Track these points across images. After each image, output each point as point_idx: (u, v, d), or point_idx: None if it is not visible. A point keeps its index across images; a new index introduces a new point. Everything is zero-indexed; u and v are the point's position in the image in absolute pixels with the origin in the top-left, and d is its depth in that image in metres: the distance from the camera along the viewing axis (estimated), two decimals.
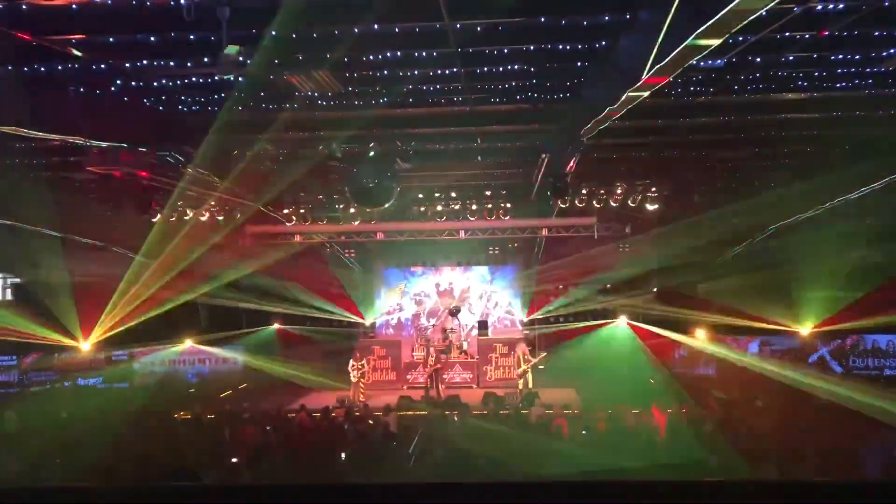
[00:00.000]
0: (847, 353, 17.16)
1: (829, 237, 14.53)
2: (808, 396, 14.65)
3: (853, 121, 11.46)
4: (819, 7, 7.46)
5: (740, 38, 7.89)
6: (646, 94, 7.51)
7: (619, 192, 15.51)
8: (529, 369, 18.83)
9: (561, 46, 8.81)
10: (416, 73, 9.55)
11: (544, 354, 19.62)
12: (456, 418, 15.03)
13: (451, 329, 21.50)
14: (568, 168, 12.15)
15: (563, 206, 15.51)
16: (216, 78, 7.53)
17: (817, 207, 14.30)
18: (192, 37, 7.81)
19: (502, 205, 16.95)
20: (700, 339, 19.40)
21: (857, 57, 9.15)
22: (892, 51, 8.78)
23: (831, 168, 13.33)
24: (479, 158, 12.84)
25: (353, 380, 19.21)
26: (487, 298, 22.83)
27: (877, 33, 8.42)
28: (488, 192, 16.77)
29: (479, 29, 8.12)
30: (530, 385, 18.64)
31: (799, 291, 16.46)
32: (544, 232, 18.60)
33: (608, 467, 9.86)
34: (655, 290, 20.66)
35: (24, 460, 11.66)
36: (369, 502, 2.27)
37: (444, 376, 20.75)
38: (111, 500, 2.28)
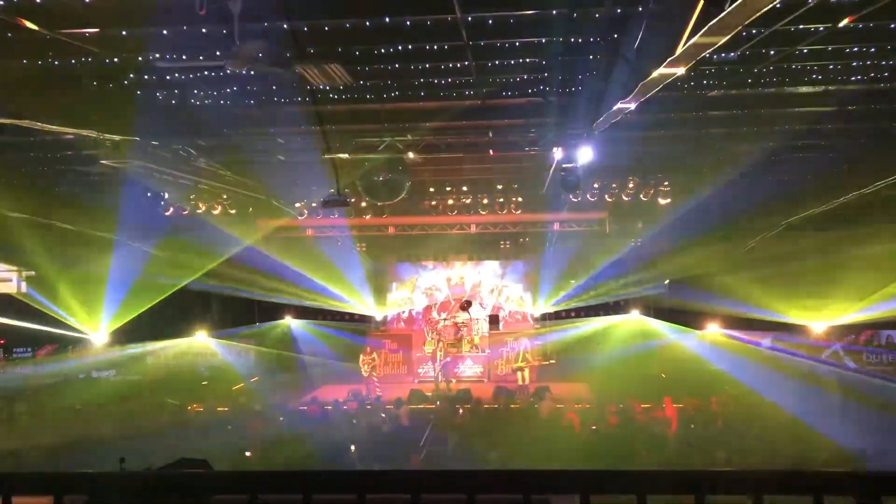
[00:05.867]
0: (861, 349, 17.02)
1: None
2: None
3: (869, 114, 11.36)
4: None
5: (754, 31, 7.83)
6: (658, 87, 7.47)
7: (630, 186, 15.44)
8: (526, 367, 18.84)
9: (573, 39, 8.77)
10: (427, 66, 9.54)
11: (553, 362, 19.74)
12: (461, 411, 15.07)
13: (463, 323, 21.54)
14: (579, 162, 12.10)
15: (575, 200, 15.47)
16: (228, 72, 7.54)
17: (831, 202, 14.19)
18: (203, 30, 7.82)
19: (513, 199, 16.92)
20: (712, 333, 19.34)
21: (873, 49, 9.05)
22: None
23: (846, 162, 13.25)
24: (491, 152, 12.81)
25: (365, 374, 19.27)
26: (499, 293, 22.84)
27: (893, 25, 8.33)
28: (500, 186, 16.74)
29: (490, 22, 8.09)
30: (527, 381, 18.66)
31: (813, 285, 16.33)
32: (556, 226, 18.56)
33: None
34: (668, 282, 20.60)
35: (40, 450, 11.82)
36: (381, 489, 2.28)
37: (455, 370, 20.80)
38: (126, 485, 2.31)
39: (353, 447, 12.17)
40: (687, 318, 19.68)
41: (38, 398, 16.80)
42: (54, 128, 10.45)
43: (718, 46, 6.11)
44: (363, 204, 16.74)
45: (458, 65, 9.47)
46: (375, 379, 19.39)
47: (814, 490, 2.08)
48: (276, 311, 22.84)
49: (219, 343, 21.53)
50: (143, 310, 18.17)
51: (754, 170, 14.90)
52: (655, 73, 6.90)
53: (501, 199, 16.91)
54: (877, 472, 2.04)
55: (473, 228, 18.63)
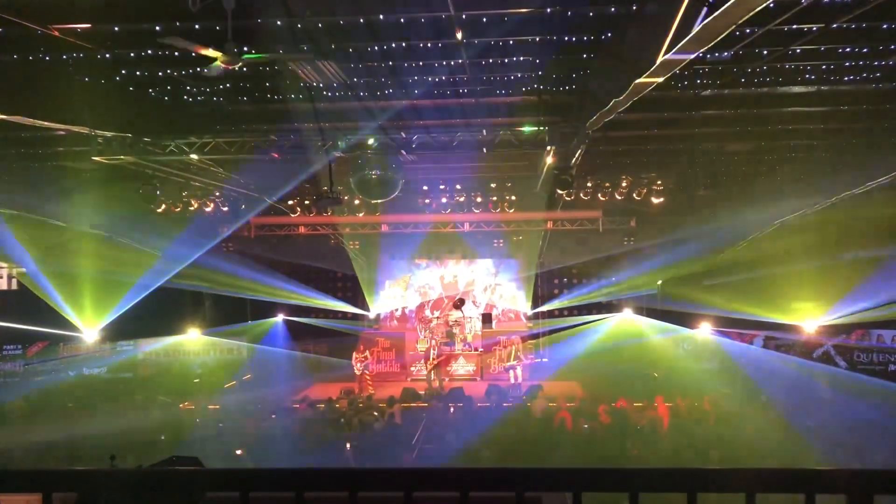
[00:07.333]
0: (852, 348, 17.11)
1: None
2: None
3: (860, 114, 11.41)
4: None
5: (747, 31, 7.85)
6: (651, 86, 7.48)
7: (624, 185, 15.47)
8: (518, 366, 18.84)
9: (567, 38, 8.78)
10: (421, 63, 9.53)
11: (545, 360, 19.78)
12: (453, 409, 15.08)
13: (456, 321, 21.53)
14: (573, 161, 12.11)
15: (568, 198, 15.48)
16: (221, 68, 7.50)
17: (822, 202, 14.24)
18: (196, 26, 7.80)
19: (507, 197, 16.92)
20: (704, 332, 19.39)
21: (865, 50, 9.10)
22: None
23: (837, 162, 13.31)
24: (484, 150, 12.81)
25: (357, 372, 19.25)
26: (492, 291, 22.84)
27: (885, 26, 8.37)
28: (493, 185, 16.75)
29: (484, 20, 8.09)
30: (519, 379, 18.66)
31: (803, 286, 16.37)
32: (549, 225, 18.57)
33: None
34: (660, 282, 20.64)
35: (29, 448, 11.76)
36: (373, 487, 2.28)
37: (448, 368, 20.80)
38: (116, 483, 2.30)
39: (347, 445, 12.14)
40: (679, 317, 19.73)
41: (28, 395, 16.71)
42: (46, 123, 10.39)
43: (711, 46, 6.14)
44: (356, 202, 16.71)
45: (452, 63, 9.46)
46: (368, 377, 19.36)
47: (806, 488, 2.08)
48: (268, 308, 22.76)
49: (211, 340, 21.45)
50: (133, 305, 18.09)
51: (747, 169, 14.97)
52: (648, 72, 6.91)
53: (495, 198, 16.91)
54: (869, 470, 2.05)
55: (467, 227, 18.61)
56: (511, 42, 8.86)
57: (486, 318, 21.66)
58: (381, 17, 7.99)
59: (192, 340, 21.19)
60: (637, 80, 7.28)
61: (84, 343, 19.13)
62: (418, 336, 22.07)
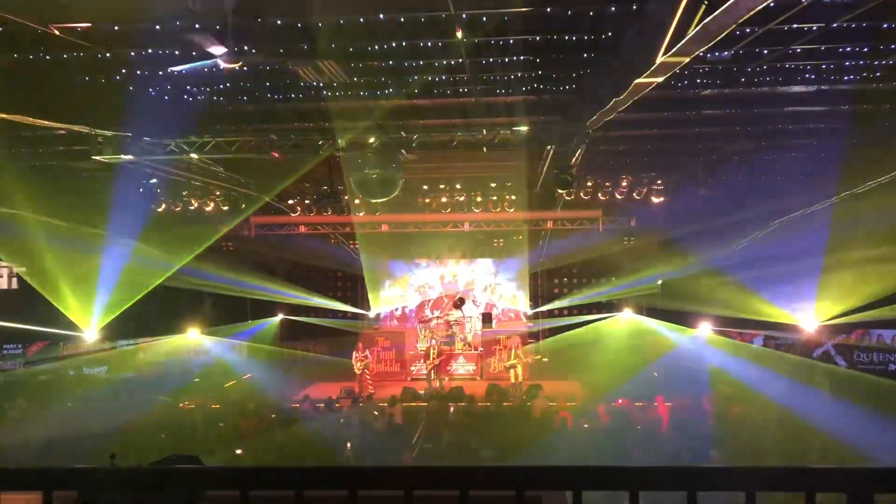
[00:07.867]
0: (852, 348, 17.11)
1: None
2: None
3: (861, 114, 11.41)
4: None
5: (748, 30, 7.85)
6: (651, 86, 7.48)
7: (624, 184, 15.47)
8: (519, 364, 18.84)
9: (567, 37, 8.78)
10: (421, 63, 9.53)
11: (544, 359, 19.74)
12: (452, 409, 15.07)
13: (456, 321, 21.53)
14: (573, 160, 12.11)
15: (568, 198, 15.48)
16: (221, 67, 7.50)
17: (823, 201, 14.22)
18: (196, 25, 7.79)
19: (507, 197, 16.92)
20: (704, 332, 19.38)
21: (865, 49, 9.09)
22: None
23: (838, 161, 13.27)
24: (485, 150, 12.82)
25: (357, 371, 19.24)
26: (492, 291, 22.84)
27: (885, 25, 8.37)
28: (493, 184, 16.75)
29: (484, 19, 8.09)
30: (520, 379, 18.66)
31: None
32: (549, 224, 18.58)
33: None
34: (660, 282, 20.65)
35: (30, 447, 11.76)
36: (373, 485, 2.28)
37: (448, 368, 20.80)
38: (116, 481, 2.30)
39: (348, 444, 12.15)
40: (679, 316, 19.73)
41: (28, 395, 16.71)
42: (45, 122, 10.39)
43: (711, 46, 6.14)
44: (357, 201, 16.71)
45: (453, 62, 9.46)
46: (368, 376, 19.36)
47: (806, 486, 2.08)
48: (268, 308, 22.76)
49: (211, 340, 21.44)
50: (132, 305, 18.02)
51: (747, 169, 14.95)
52: (648, 72, 6.91)
53: (495, 197, 16.91)
54: (869, 468, 2.05)
55: (467, 226, 18.62)
56: (511, 41, 8.86)
57: (486, 318, 21.66)
58: (381, 16, 7.98)
59: (193, 339, 21.16)
60: (637, 80, 7.28)
61: (84, 342, 19.11)
62: (418, 336, 22.07)
